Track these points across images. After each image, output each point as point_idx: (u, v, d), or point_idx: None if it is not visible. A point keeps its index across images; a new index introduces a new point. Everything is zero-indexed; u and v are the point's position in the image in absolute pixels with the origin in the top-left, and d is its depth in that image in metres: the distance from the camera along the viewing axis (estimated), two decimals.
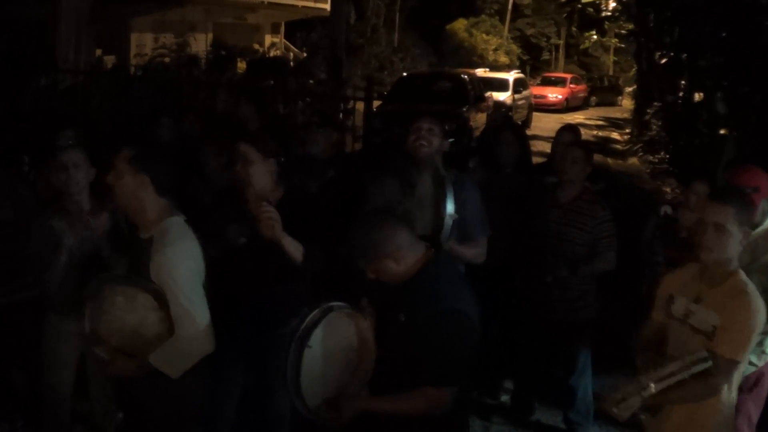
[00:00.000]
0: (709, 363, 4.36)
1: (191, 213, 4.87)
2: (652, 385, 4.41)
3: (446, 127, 6.37)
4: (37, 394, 6.02)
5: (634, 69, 39.12)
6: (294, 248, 5.24)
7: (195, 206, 5.22)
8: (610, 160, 25.29)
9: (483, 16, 54.57)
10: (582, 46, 63.46)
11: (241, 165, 5.45)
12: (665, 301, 4.90)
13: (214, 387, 5.25)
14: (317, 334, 4.37)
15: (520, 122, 28.16)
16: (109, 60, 21.98)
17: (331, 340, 4.45)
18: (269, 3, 30.24)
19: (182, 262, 4.52)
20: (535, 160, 9.86)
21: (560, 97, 45.29)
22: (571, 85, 47.49)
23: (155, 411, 4.73)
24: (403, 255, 4.30)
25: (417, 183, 5.82)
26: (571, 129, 8.92)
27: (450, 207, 5.69)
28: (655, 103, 26.09)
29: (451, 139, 7.06)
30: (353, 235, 4.37)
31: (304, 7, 33.08)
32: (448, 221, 5.69)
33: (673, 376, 4.38)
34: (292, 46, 34.98)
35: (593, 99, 50.83)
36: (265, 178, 5.50)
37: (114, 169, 4.64)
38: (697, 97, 20.02)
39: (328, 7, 33.74)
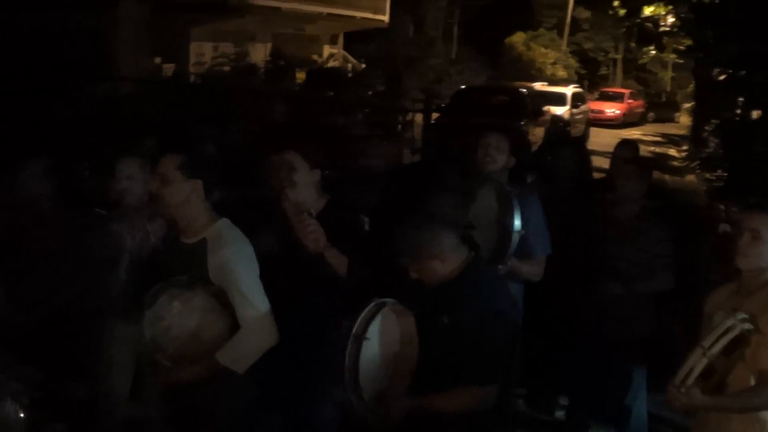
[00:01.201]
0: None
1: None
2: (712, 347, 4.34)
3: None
4: (89, 399, 5.90)
5: (691, 85, 38.59)
6: (337, 260, 5.27)
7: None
8: (667, 177, 24.77)
9: (541, 29, 54.11)
10: (640, 61, 62.83)
11: (285, 173, 5.41)
12: (709, 318, 4.82)
13: (258, 395, 5.10)
14: (374, 327, 4.49)
15: (577, 137, 27.63)
16: (169, 68, 21.95)
17: (384, 335, 4.56)
18: (328, 14, 30.13)
19: (241, 259, 4.61)
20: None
21: (618, 112, 44.84)
22: (629, 101, 47.02)
23: (209, 414, 4.76)
24: (448, 256, 4.52)
25: (478, 199, 5.77)
26: (629, 144, 8.74)
27: (517, 223, 5.59)
28: (713, 120, 25.55)
29: None
30: (402, 235, 4.60)
31: (362, 18, 32.92)
32: (515, 238, 5.60)
33: (729, 333, 4.31)
34: (350, 57, 34.82)
35: (650, 115, 50.25)
36: (308, 188, 5.45)
37: (160, 176, 4.68)
38: (755, 114, 19.54)
39: (386, 18, 33.73)
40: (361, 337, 4.43)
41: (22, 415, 4.15)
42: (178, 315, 4.56)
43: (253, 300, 4.59)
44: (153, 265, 5.49)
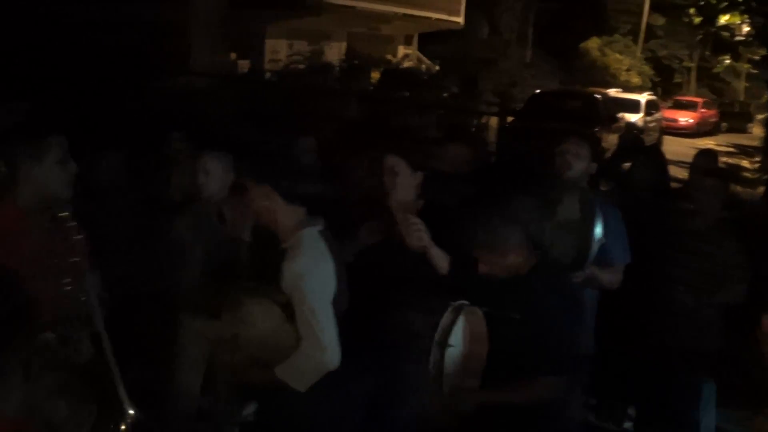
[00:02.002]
0: None
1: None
2: None
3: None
4: (161, 393, 5.94)
5: (765, 95, 37.87)
6: (441, 258, 5.18)
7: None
8: (739, 189, 24.20)
9: (616, 35, 53.45)
10: (714, 70, 61.80)
11: (387, 177, 5.41)
12: None
13: (340, 397, 4.90)
14: (456, 335, 4.49)
15: (653, 145, 27.14)
16: (243, 65, 21.90)
17: (462, 337, 4.52)
18: (403, 14, 30.01)
19: (312, 276, 4.42)
20: None
21: (691, 121, 44.04)
22: (703, 110, 46.19)
23: (279, 419, 4.68)
24: (523, 252, 4.59)
25: (559, 205, 5.65)
26: (709, 155, 8.58)
27: (598, 231, 5.52)
28: None
29: None
30: (485, 225, 4.65)
31: (437, 19, 32.82)
32: (595, 246, 5.53)
33: None
34: (424, 58, 34.60)
35: (723, 125, 49.36)
36: (409, 191, 5.44)
37: (238, 182, 4.85)
38: None
39: (461, 20, 33.64)
40: (444, 344, 4.46)
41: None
42: (258, 320, 4.52)
43: (313, 320, 4.40)
44: (231, 264, 5.50)
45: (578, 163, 5.88)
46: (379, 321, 5.23)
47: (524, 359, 4.43)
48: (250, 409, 5.39)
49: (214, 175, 5.70)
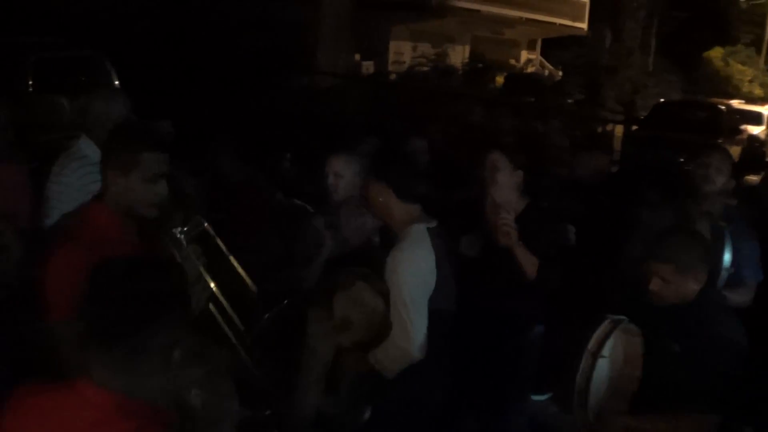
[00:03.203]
0: None
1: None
2: None
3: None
4: (285, 386, 5.78)
5: None
6: (528, 261, 5.09)
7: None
8: None
9: (739, 45, 52.17)
10: None
11: (488, 172, 5.32)
12: None
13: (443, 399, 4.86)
14: (609, 345, 4.31)
15: None
16: (367, 66, 21.87)
17: (613, 352, 4.36)
18: (527, 19, 29.78)
19: (407, 268, 4.41)
20: None
21: None
22: None
23: (394, 410, 4.69)
24: (701, 278, 4.23)
25: (696, 222, 5.40)
26: None
27: (727, 258, 5.39)
28: None
29: None
30: (667, 241, 4.30)
31: (561, 25, 32.57)
32: (724, 275, 5.37)
33: None
34: (547, 64, 34.25)
35: None
36: (510, 189, 5.31)
37: (367, 181, 4.70)
38: None
39: (585, 26, 33.30)
40: (597, 354, 4.27)
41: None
42: (366, 305, 4.58)
43: (404, 313, 4.39)
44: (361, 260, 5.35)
45: (719, 178, 5.67)
46: (475, 324, 5.13)
47: (679, 392, 4.17)
48: (368, 414, 5.54)
49: (345, 176, 5.56)
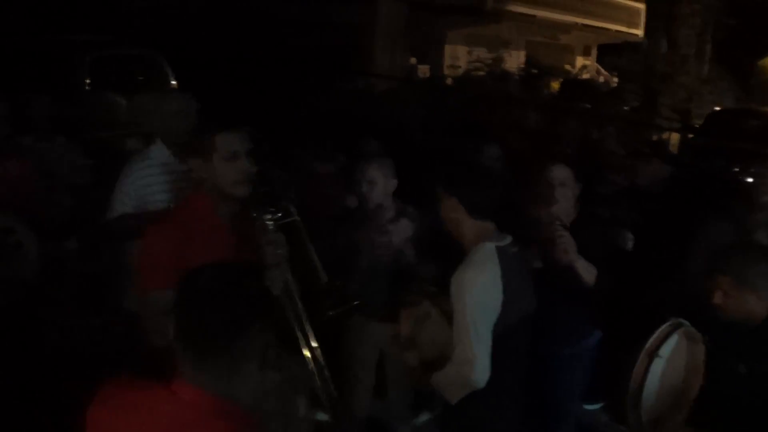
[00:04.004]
0: None
1: None
2: None
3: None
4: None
5: None
6: (586, 272, 4.96)
7: None
8: None
9: None
10: None
11: (552, 186, 5.24)
12: None
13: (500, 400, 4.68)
14: (666, 347, 4.29)
15: None
16: (423, 69, 21.75)
17: (674, 358, 4.35)
18: (583, 25, 29.54)
19: (472, 288, 4.22)
20: None
21: None
22: None
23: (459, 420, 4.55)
24: (765, 296, 4.09)
25: (754, 233, 5.56)
26: None
27: None
28: None
29: None
30: (729, 253, 4.23)
31: (617, 31, 32.39)
32: None
33: None
34: (602, 70, 33.93)
35: None
36: (570, 201, 5.29)
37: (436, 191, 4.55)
38: None
39: (640, 32, 33.19)
40: (653, 354, 4.24)
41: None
42: (434, 323, 4.51)
43: (465, 334, 4.20)
44: (401, 266, 5.64)
45: None
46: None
47: (742, 412, 4.09)
48: (423, 418, 6.00)
49: (377, 183, 5.69)
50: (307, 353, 4.40)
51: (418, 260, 5.67)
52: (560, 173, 5.25)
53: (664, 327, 4.31)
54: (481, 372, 4.18)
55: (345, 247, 5.69)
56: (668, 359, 4.30)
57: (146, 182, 5.21)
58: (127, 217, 5.13)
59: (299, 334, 4.37)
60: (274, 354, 2.52)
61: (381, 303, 5.41)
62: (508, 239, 4.42)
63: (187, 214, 3.93)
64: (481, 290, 4.22)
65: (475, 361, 4.17)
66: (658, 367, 4.25)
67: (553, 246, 4.90)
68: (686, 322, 4.38)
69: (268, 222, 4.11)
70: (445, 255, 4.96)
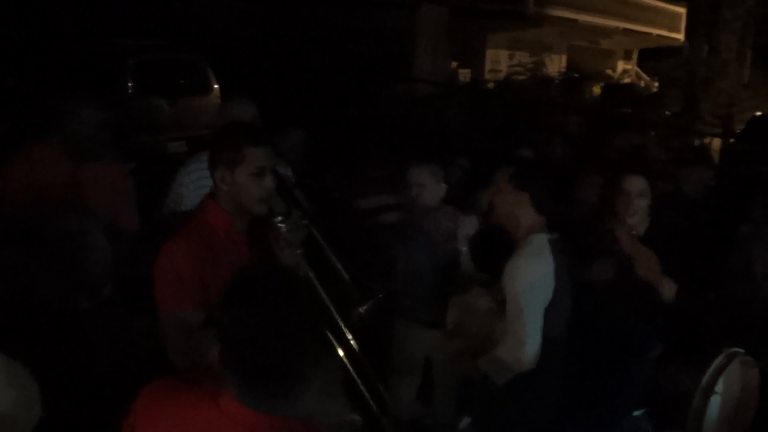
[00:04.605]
0: None
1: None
2: None
3: None
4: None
5: None
6: (667, 286, 5.01)
7: None
8: None
9: None
10: None
11: (635, 199, 5.13)
12: None
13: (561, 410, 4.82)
14: (723, 380, 4.28)
15: None
16: (464, 73, 21.70)
17: (729, 383, 4.34)
18: (624, 29, 29.41)
19: (525, 276, 4.36)
20: None
21: None
22: None
23: (498, 419, 4.63)
24: None
25: None
26: None
27: None
28: None
29: None
30: None
31: (658, 35, 32.22)
32: None
33: None
34: (643, 75, 33.79)
35: None
36: (643, 213, 5.19)
37: (495, 185, 4.61)
38: None
39: (681, 37, 32.93)
40: (710, 390, 4.25)
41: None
42: (481, 311, 4.58)
43: (518, 320, 4.32)
44: (450, 267, 5.61)
45: None
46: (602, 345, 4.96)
47: None
48: (465, 423, 5.60)
49: (428, 186, 5.74)
50: (342, 354, 4.32)
51: (465, 262, 5.67)
52: (637, 184, 5.18)
53: (719, 360, 4.31)
54: (531, 353, 4.28)
55: (394, 251, 5.78)
56: (725, 387, 4.35)
57: (203, 183, 5.13)
58: (179, 215, 5.06)
59: (333, 337, 4.30)
60: (327, 370, 2.56)
61: (428, 308, 5.37)
62: (556, 234, 4.52)
63: (205, 228, 3.82)
64: (535, 277, 4.35)
65: (526, 342, 4.27)
66: (715, 402, 4.28)
67: (635, 260, 4.91)
68: (741, 350, 4.37)
69: (280, 225, 4.02)
70: (488, 249, 5.13)
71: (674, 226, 6.30)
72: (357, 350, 4.27)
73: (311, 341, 2.39)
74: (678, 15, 34.28)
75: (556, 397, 4.65)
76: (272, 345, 2.29)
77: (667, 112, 20.89)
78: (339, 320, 4.28)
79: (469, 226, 5.78)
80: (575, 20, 26.39)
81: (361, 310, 4.36)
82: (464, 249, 5.72)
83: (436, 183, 5.80)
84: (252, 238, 3.94)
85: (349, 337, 4.26)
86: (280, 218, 4.02)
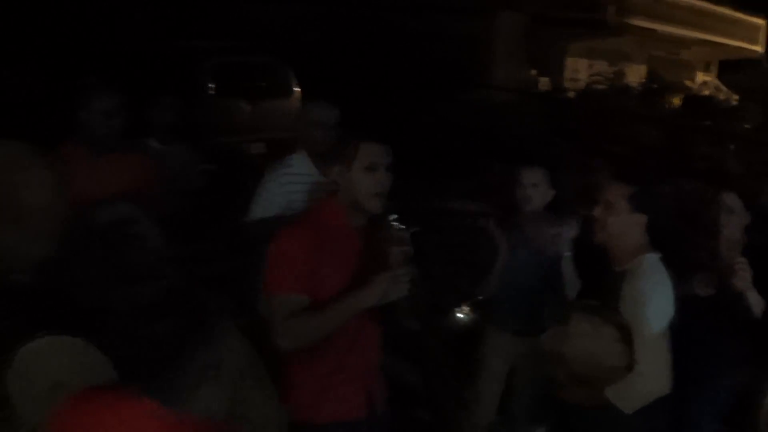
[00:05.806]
0: None
1: None
2: None
3: None
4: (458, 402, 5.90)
5: None
6: (756, 302, 4.72)
7: None
8: None
9: None
10: None
11: (725, 214, 4.91)
12: None
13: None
14: None
15: None
16: (543, 82, 21.46)
17: None
18: (704, 40, 28.84)
19: (653, 297, 4.15)
20: None
21: None
22: None
23: None
24: None
25: None
26: None
27: None
28: None
29: None
30: None
31: (737, 47, 31.50)
32: None
33: None
34: (722, 86, 33.18)
35: None
36: (739, 231, 4.94)
37: (607, 202, 4.33)
38: None
39: (760, 49, 32.29)
40: None
41: None
42: (586, 337, 4.25)
43: (653, 345, 4.08)
44: (550, 279, 5.40)
45: None
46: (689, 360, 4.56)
47: None
48: (539, 430, 5.52)
49: (540, 188, 5.50)
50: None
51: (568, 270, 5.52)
52: (728, 199, 4.98)
53: None
54: (666, 378, 4.13)
55: (495, 255, 5.58)
56: None
57: (290, 189, 5.21)
58: (267, 222, 5.09)
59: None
60: (230, 362, 2.44)
61: (520, 316, 5.25)
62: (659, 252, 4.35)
63: (320, 220, 3.86)
64: (658, 300, 4.19)
65: (661, 368, 4.12)
66: None
67: (730, 271, 4.71)
68: None
69: (394, 222, 3.91)
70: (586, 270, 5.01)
71: (754, 240, 6.14)
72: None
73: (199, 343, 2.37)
74: (757, 27, 33.76)
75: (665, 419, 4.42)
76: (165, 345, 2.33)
77: (747, 126, 20.43)
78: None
79: (572, 230, 5.53)
80: (654, 30, 25.97)
81: (460, 313, 4.20)
82: (567, 254, 5.52)
83: (547, 186, 5.57)
84: (367, 235, 3.90)
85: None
86: (395, 215, 3.95)
